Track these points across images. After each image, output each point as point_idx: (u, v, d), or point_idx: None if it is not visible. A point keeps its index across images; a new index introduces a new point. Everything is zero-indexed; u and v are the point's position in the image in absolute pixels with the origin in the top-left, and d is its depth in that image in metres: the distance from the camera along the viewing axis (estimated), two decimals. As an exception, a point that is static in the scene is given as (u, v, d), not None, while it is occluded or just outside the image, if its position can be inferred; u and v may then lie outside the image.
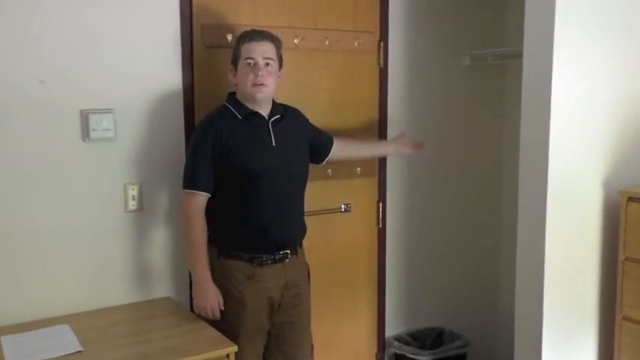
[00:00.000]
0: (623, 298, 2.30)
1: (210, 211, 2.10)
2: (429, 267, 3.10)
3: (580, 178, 2.28)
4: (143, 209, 2.30)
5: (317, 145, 2.35)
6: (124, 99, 2.22)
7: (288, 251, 2.18)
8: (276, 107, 2.21)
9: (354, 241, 2.86)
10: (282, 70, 2.19)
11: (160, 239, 2.34)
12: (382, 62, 2.82)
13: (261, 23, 2.40)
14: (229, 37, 2.38)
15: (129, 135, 2.25)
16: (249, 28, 2.19)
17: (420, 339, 3.04)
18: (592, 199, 2.33)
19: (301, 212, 2.27)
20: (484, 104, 3.18)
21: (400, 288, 3.02)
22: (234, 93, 2.18)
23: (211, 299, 2.06)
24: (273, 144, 2.13)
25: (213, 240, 2.13)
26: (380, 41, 2.80)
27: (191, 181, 2.08)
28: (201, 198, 2.08)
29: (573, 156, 2.24)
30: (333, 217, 2.78)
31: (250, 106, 2.12)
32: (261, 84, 2.07)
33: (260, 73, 2.07)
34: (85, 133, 2.15)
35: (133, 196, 2.27)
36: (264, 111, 2.15)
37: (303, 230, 2.28)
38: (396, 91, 2.88)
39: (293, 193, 2.22)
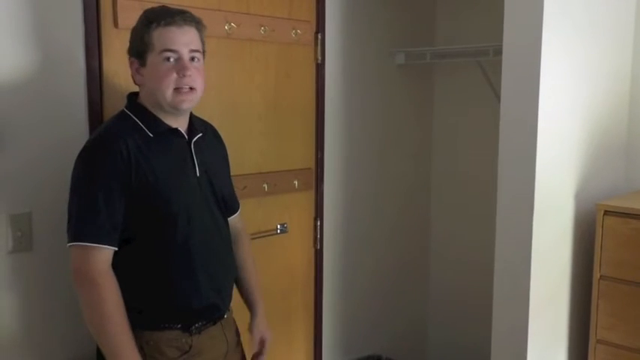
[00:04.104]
0: (598, 320, 2.13)
1: (118, 268, 1.48)
2: (364, 290, 2.77)
3: (556, 191, 2.07)
4: (33, 248, 1.67)
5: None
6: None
7: (228, 307, 1.68)
8: (196, 120, 1.64)
9: (290, 267, 2.44)
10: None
11: (58, 287, 1.73)
12: (320, 57, 2.42)
13: (186, 3, 1.89)
14: (148, 18, 1.83)
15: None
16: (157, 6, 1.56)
17: (358, 371, 2.72)
18: (566, 213, 2.14)
19: (234, 258, 1.73)
20: (416, 106, 2.93)
21: (336, 316, 2.65)
22: (137, 95, 1.58)
23: None
24: (197, 174, 1.58)
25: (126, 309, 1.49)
26: (317, 33, 2.40)
27: (89, 229, 1.42)
28: (106, 254, 1.44)
29: (551, 167, 2.03)
30: (268, 240, 2.32)
31: (166, 118, 1.54)
32: (190, 88, 1.50)
33: (188, 72, 1.48)
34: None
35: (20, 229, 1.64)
36: (182, 125, 1.58)
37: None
38: (331, 90, 2.51)
39: (226, 236, 1.68)
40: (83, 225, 1.43)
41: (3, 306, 1.64)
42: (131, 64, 1.54)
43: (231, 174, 1.79)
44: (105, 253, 1.44)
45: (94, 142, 1.51)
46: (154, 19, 1.49)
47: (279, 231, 2.35)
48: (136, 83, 1.56)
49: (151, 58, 1.49)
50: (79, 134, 1.74)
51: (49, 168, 1.69)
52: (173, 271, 1.53)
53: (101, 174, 1.44)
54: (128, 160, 1.45)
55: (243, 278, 1.79)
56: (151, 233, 1.51)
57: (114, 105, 1.77)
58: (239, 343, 1.77)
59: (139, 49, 1.51)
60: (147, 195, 1.48)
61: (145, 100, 1.55)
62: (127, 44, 1.78)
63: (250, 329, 1.80)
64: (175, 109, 1.52)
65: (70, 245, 1.44)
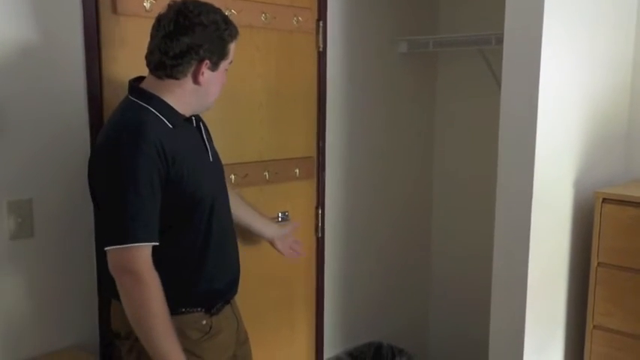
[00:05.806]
0: (594, 306, 2.15)
1: None
2: (366, 278, 2.79)
3: (556, 179, 2.08)
4: (34, 234, 1.70)
5: None
6: None
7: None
8: None
9: (291, 255, 2.46)
10: None
11: (60, 274, 1.76)
12: (321, 45, 2.42)
13: (187, -11, 1.90)
14: (147, 5, 1.85)
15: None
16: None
17: (358, 357, 2.74)
18: (564, 200, 2.14)
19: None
20: (418, 95, 2.93)
21: (337, 304, 2.68)
22: (139, 80, 1.54)
23: None
24: (210, 159, 1.63)
25: None
26: (318, 20, 2.41)
27: (140, 229, 1.39)
28: (149, 250, 1.42)
29: (551, 155, 2.03)
30: (270, 228, 2.34)
31: (183, 110, 1.55)
32: None
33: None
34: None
35: (20, 216, 1.66)
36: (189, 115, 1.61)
37: None
38: (333, 79, 2.51)
39: (231, 217, 1.73)
40: (133, 224, 1.38)
41: (4, 291, 1.66)
42: (204, 64, 1.51)
43: (233, 162, 1.82)
44: (149, 249, 1.42)
45: (123, 134, 1.42)
46: (235, 33, 1.58)
47: (280, 219, 2.37)
48: (195, 83, 1.53)
49: (222, 66, 1.57)
50: (79, 121, 1.76)
51: (49, 154, 1.71)
52: (200, 257, 1.57)
53: (143, 169, 1.39)
54: (164, 152, 1.42)
55: (248, 209, 1.96)
56: (180, 223, 1.52)
57: (113, 91, 1.79)
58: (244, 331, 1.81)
59: (219, 56, 1.54)
60: (180, 187, 1.47)
61: (179, 99, 1.52)
62: (125, 31, 1.80)
63: (279, 237, 2.06)
64: (206, 110, 1.62)
65: (120, 247, 1.39)
